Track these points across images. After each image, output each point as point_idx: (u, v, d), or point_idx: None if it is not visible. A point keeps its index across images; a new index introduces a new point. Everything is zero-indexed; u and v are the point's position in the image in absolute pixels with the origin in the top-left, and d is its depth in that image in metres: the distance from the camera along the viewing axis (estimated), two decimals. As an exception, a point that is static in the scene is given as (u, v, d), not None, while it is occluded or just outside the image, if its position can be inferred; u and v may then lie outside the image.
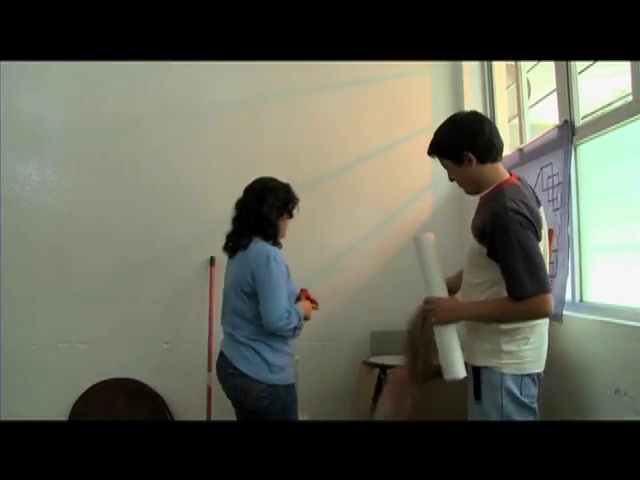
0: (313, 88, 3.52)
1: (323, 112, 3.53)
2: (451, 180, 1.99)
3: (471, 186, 1.95)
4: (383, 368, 2.91)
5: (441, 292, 1.91)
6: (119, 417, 3.20)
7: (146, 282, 3.36)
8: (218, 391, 3.26)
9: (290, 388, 2.32)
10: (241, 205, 2.35)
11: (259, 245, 2.28)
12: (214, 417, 3.26)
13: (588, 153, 2.34)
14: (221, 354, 2.37)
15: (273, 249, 2.28)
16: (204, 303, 3.35)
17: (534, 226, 1.77)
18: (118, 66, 3.03)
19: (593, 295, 2.30)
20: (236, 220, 2.36)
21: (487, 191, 1.91)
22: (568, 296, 2.29)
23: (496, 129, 1.94)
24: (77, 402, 3.24)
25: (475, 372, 1.91)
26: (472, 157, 1.86)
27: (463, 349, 1.92)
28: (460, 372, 1.86)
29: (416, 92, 3.61)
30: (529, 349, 1.85)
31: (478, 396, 1.89)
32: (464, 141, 1.87)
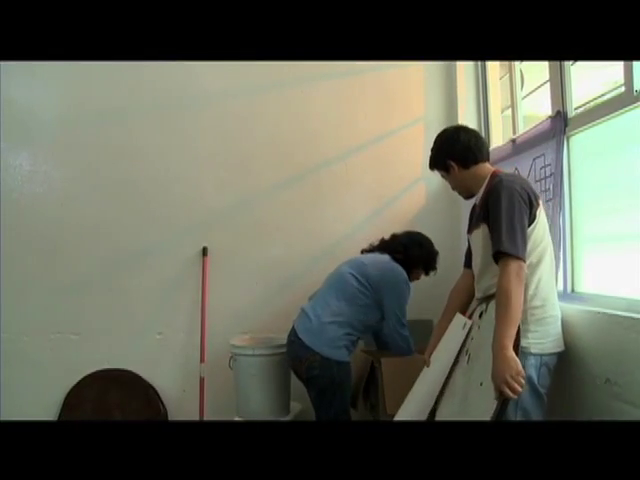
0: (306, 78, 3.50)
1: (316, 102, 3.52)
2: (453, 190, 2.21)
3: (464, 190, 2.16)
4: (378, 358, 2.91)
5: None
6: (112, 408, 3.21)
7: (138, 273, 3.35)
8: (211, 381, 3.29)
9: (343, 365, 2.52)
10: (400, 238, 2.80)
11: (400, 266, 2.64)
12: (207, 408, 3.28)
13: (580, 144, 2.35)
14: (292, 328, 2.63)
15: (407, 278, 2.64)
16: (197, 293, 3.35)
17: (530, 200, 1.90)
18: (109, 55, 3.01)
19: (585, 286, 2.31)
20: (391, 244, 2.79)
21: (483, 187, 2.06)
22: (560, 287, 2.30)
23: (476, 135, 2.14)
24: (69, 393, 3.24)
25: None
26: (453, 164, 2.10)
27: None
28: None
29: (409, 83, 3.61)
30: (552, 327, 1.95)
31: None
32: (443, 150, 2.14)
